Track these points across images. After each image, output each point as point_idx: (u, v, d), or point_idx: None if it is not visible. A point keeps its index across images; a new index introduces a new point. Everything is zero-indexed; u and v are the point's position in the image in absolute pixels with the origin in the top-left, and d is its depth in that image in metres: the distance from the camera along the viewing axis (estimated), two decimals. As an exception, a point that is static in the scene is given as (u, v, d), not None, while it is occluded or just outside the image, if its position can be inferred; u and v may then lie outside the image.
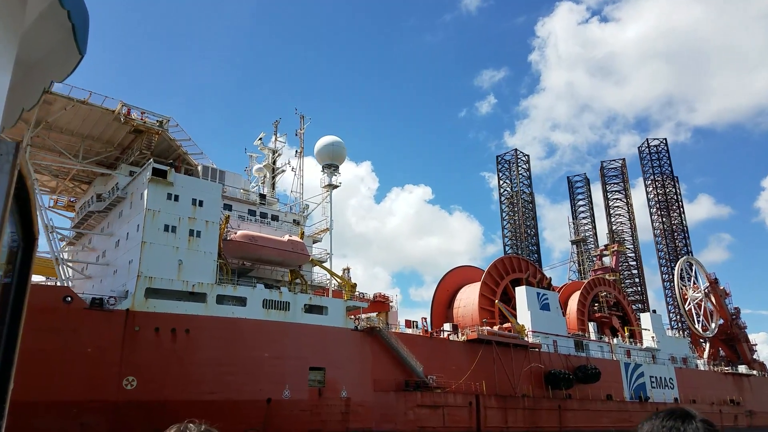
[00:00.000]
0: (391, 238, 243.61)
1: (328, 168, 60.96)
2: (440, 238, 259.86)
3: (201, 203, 47.81)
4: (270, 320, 47.75)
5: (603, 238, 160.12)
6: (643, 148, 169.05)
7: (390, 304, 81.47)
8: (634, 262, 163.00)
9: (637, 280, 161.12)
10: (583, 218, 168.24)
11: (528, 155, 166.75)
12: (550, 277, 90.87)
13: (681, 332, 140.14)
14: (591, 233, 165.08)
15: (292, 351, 48.04)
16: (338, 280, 57.08)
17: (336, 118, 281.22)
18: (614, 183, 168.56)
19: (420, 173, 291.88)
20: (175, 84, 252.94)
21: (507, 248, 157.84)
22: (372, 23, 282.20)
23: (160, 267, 44.12)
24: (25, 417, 39.13)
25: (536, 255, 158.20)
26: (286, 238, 52.84)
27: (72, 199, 60.13)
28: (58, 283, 47.13)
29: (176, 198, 46.72)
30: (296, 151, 67.24)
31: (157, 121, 49.50)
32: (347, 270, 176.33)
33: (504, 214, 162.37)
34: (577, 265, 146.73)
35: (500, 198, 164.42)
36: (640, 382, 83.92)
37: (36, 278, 57.16)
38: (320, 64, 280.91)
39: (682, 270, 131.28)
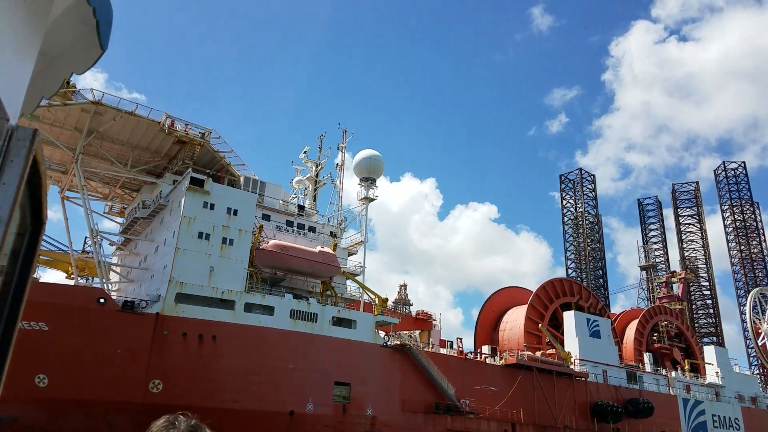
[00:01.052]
0: (453, 257, 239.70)
1: (365, 181, 60.88)
2: (506, 258, 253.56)
3: (236, 212, 48.74)
4: (296, 331, 47.72)
5: (676, 265, 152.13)
6: (719, 172, 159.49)
7: (433, 322, 79.98)
8: (708, 292, 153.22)
9: (711, 311, 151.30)
10: (655, 243, 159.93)
11: (594, 175, 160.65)
12: (603, 303, 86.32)
13: (761, 369, 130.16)
14: (662, 259, 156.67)
15: (317, 364, 47.72)
16: (370, 294, 56.51)
17: (400, 135, 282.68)
18: (687, 207, 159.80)
19: (485, 191, 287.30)
20: (227, 95, 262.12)
21: (570, 271, 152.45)
22: (441, 42, 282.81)
23: (192, 273, 45.13)
24: (57, 414, 40.80)
25: (601, 279, 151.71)
26: (318, 249, 52.91)
27: (124, 206, 62.91)
28: (103, 286, 49.10)
29: (212, 207, 47.86)
30: (336, 165, 67.60)
31: (200, 132, 51.08)
32: (404, 287, 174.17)
33: (568, 236, 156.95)
34: (646, 292, 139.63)
35: (563, 219, 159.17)
36: (700, 421, 77.89)
37: (81, 279, 59.98)
38: (387, 81, 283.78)
39: (755, 301, 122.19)
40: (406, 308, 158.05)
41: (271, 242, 50.66)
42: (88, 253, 57.64)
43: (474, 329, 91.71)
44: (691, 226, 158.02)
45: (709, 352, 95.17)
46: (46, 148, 52.24)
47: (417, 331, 77.43)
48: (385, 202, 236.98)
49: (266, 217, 57.73)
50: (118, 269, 58.65)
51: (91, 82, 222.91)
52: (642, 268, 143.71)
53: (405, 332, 74.72)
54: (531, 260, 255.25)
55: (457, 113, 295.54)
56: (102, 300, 41.67)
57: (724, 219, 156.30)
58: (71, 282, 56.94)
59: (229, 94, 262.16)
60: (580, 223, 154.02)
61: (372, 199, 60.94)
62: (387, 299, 56.37)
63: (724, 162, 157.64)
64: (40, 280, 60.40)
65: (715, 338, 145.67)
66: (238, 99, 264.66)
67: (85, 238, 61.09)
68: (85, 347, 40.78)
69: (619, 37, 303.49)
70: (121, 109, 48.40)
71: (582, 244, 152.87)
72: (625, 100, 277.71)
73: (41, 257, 67.56)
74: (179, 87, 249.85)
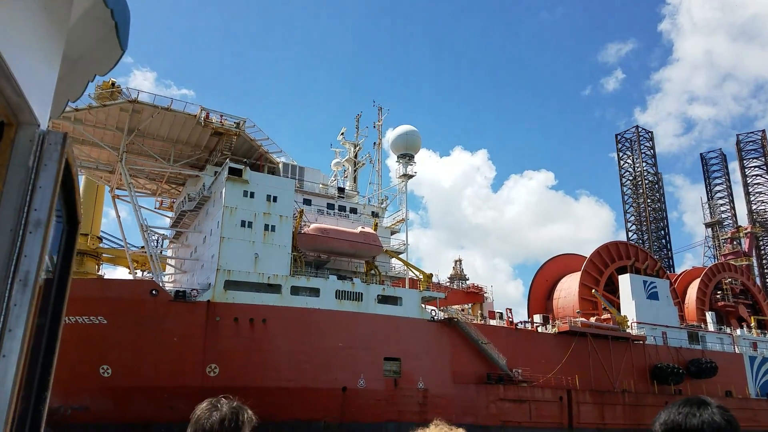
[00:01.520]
0: (510, 229, 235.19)
1: (403, 158, 60.61)
2: (566, 226, 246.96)
3: (275, 199, 49.62)
4: (342, 310, 48.50)
5: (744, 221, 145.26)
6: None
7: (485, 295, 79.57)
8: None
9: None
10: (720, 199, 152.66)
11: (651, 132, 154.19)
12: (662, 264, 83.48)
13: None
14: (729, 215, 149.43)
15: (365, 341, 48.44)
16: (414, 270, 56.61)
17: (446, 108, 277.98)
18: (753, 158, 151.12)
19: (540, 158, 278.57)
20: (263, 84, 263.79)
21: (631, 234, 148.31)
22: (483, 6, 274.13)
23: (238, 260, 46.41)
24: (123, 401, 43.16)
25: (664, 240, 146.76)
26: (359, 230, 53.32)
27: (173, 201, 65.08)
28: (155, 279, 51.23)
29: (252, 195, 48.88)
30: (374, 144, 67.57)
31: (235, 123, 51.99)
32: (459, 262, 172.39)
33: (627, 198, 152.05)
34: (712, 250, 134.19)
35: (621, 180, 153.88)
36: (769, 379, 74.83)
37: (140, 274, 62.69)
38: (429, 53, 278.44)
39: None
40: (462, 283, 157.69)
41: (313, 226, 51.41)
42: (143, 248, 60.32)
43: (527, 299, 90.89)
44: (758, 177, 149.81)
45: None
46: (92, 149, 54.57)
47: (468, 305, 77.31)
48: (436, 178, 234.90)
49: (307, 202, 58.52)
50: (172, 261, 60.92)
51: (141, 81, 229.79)
52: (707, 225, 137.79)
53: (456, 306, 74.78)
54: (593, 226, 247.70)
55: (504, 80, 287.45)
56: (154, 291, 43.51)
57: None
58: (132, 277, 59.83)
59: (266, 83, 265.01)
60: (640, 183, 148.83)
61: (411, 176, 60.71)
62: (431, 275, 56.31)
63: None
64: (105, 277, 63.85)
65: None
66: (274, 87, 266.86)
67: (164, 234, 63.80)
68: (143, 337, 42.81)
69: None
70: (157, 106, 49.76)
71: (642, 205, 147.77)
72: (685, 49, 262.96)
73: (105, 255, 71.10)
74: (223, 79, 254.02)
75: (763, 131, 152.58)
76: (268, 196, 49.44)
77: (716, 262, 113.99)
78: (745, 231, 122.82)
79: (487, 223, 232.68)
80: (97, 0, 2.61)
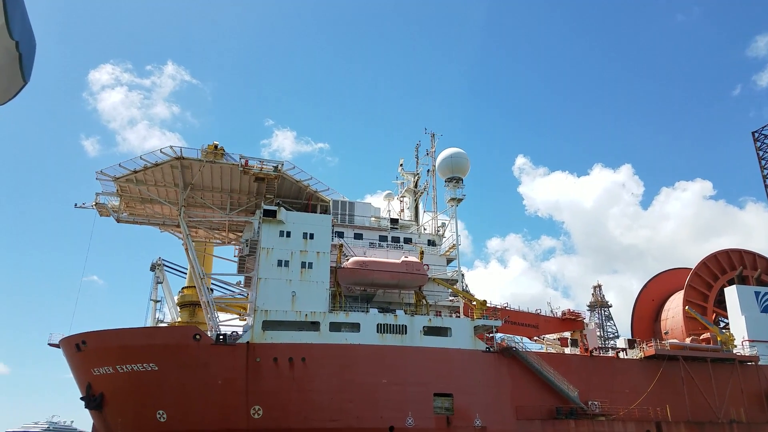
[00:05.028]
0: (668, 246, 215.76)
1: (451, 181, 58.43)
2: (733, 238, 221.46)
3: (312, 236, 49.87)
4: (385, 345, 46.86)
5: None
6: None
7: (584, 321, 73.24)
8: None
9: None
10: None
11: None
12: (782, 271, 71.66)
13: None
14: None
15: (412, 376, 46.25)
16: (465, 297, 53.48)
17: (582, 123, 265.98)
18: None
19: (693, 167, 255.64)
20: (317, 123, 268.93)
21: None
22: (613, 12, 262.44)
23: (276, 300, 46.92)
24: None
25: None
26: (401, 259, 51.71)
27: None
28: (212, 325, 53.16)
29: (288, 234, 49.57)
30: (428, 171, 65.99)
31: (273, 166, 53.47)
32: (599, 287, 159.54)
33: None
34: None
35: (765, 182, 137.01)
36: None
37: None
38: (557, 61, 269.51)
39: None
40: (604, 310, 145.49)
41: (352, 259, 50.78)
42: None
43: (630, 323, 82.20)
44: None
45: None
46: (155, 206, 58.76)
47: (567, 333, 71.48)
48: (576, 200, 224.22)
49: (358, 236, 58.20)
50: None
51: (282, 141, 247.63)
52: None
53: (550, 336, 69.39)
54: (763, 234, 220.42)
55: (644, 89, 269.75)
56: (197, 336, 45.03)
57: None
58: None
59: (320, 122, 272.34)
60: None
61: (460, 200, 58.27)
62: (486, 302, 52.85)
63: None
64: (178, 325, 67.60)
65: None
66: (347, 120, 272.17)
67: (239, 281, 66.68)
68: (190, 381, 44.30)
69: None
70: (201, 159, 52.65)
71: None
72: None
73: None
74: (338, 123, 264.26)
75: None
76: (305, 234, 49.84)
77: None
78: None
79: (640, 243, 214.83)
80: (2, 31, 2.60)
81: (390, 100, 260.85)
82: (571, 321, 72.15)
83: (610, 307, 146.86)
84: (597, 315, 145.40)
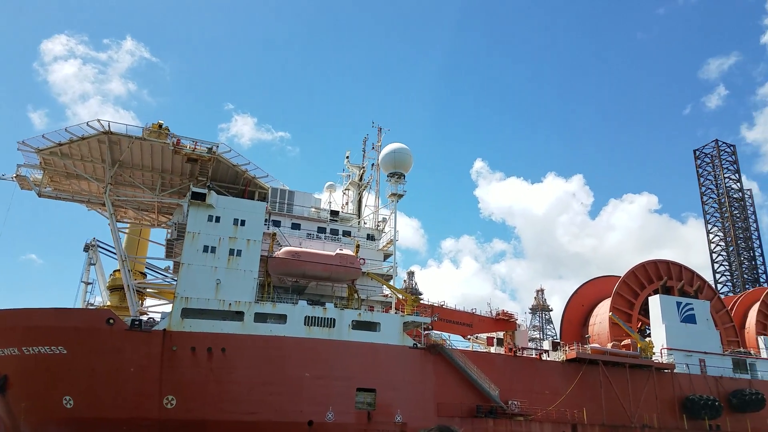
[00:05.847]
0: (612, 256, 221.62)
1: (393, 176, 57.98)
2: (674, 251, 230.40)
3: (243, 223, 48.42)
4: (311, 338, 46.03)
5: None
6: None
7: (516, 322, 74.36)
8: None
9: None
10: None
11: (733, 145, 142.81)
12: (702, 282, 74.85)
13: None
14: None
15: (336, 370, 45.65)
16: (398, 293, 53.29)
17: (537, 134, 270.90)
18: None
19: (641, 181, 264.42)
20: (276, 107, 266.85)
21: (714, 255, 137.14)
22: (576, 27, 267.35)
23: (198, 287, 45.31)
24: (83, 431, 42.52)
25: (754, 261, 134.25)
26: (336, 252, 50.96)
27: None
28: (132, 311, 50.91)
29: (217, 219, 47.97)
30: (372, 165, 65.41)
31: (207, 148, 51.59)
32: (541, 292, 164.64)
33: (709, 216, 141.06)
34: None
35: (702, 198, 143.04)
36: (842, 414, 64.15)
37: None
38: (516, 75, 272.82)
39: None
40: (545, 314, 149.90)
41: (283, 249, 49.63)
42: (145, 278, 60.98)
43: (560, 327, 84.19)
44: None
45: None
46: (82, 182, 55.85)
47: (500, 333, 72.39)
48: (528, 207, 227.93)
49: (296, 226, 57.01)
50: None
51: (241, 126, 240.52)
52: None
53: (484, 334, 70.09)
54: (702, 250, 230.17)
55: (600, 102, 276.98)
56: (111, 320, 42.98)
57: None
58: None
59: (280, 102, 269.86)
60: (724, 201, 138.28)
61: (400, 195, 57.91)
62: (418, 298, 52.77)
63: None
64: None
65: None
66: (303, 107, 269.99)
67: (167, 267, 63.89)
68: (101, 367, 42.24)
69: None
70: (131, 136, 50.24)
71: (727, 224, 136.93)
72: None
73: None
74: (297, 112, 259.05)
75: None
76: (236, 220, 48.34)
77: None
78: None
79: (586, 252, 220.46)
80: None
81: (357, 94, 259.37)
82: (504, 321, 73.13)
83: (551, 311, 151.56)
84: (538, 318, 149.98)
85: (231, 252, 47.22)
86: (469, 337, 70.72)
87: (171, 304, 58.56)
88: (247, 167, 55.93)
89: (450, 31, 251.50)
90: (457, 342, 58.59)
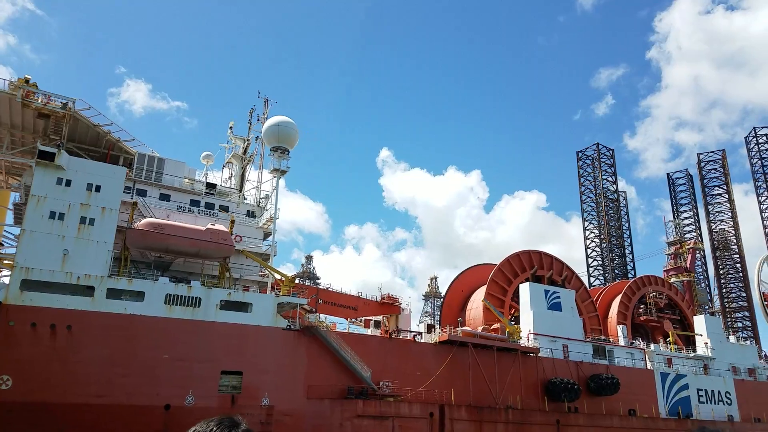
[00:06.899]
0: (503, 248, 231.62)
1: (276, 151, 55.31)
2: (558, 247, 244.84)
3: (98, 188, 43.80)
4: (172, 317, 42.69)
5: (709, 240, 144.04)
6: (750, 138, 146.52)
7: (401, 306, 74.41)
8: (739, 264, 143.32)
9: (741, 284, 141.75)
10: (686, 218, 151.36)
11: (612, 149, 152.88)
12: (571, 274, 79.38)
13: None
14: (695, 234, 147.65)
15: (199, 352, 42.70)
16: (275, 273, 51.09)
17: (442, 128, 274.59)
18: (714, 178, 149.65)
19: (532, 180, 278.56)
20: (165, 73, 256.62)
21: (589, 251, 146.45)
22: (481, 30, 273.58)
23: (42, 257, 40.41)
24: None
25: (624, 258, 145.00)
26: (207, 227, 47.68)
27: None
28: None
29: (68, 183, 43.03)
30: (256, 138, 62.23)
31: (62, 103, 46.18)
32: (434, 279, 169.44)
33: (586, 214, 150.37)
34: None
35: (581, 197, 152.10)
36: (682, 396, 70.91)
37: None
38: (425, 71, 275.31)
39: (763, 265, 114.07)
40: (437, 301, 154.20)
41: (144, 221, 45.60)
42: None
43: (440, 312, 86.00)
44: (719, 197, 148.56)
45: (699, 323, 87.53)
46: None
47: (382, 316, 72.08)
48: (430, 198, 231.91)
49: (165, 197, 52.78)
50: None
51: (134, 92, 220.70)
52: (669, 244, 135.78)
53: (372, 317, 69.42)
54: (583, 245, 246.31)
55: (500, 102, 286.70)
56: (-69, 291, 37.17)
57: (756, 189, 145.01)
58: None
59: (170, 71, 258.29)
60: (600, 200, 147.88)
61: (284, 171, 55.36)
62: (294, 279, 50.89)
63: (754, 128, 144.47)
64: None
65: (747, 312, 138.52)
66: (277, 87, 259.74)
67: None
68: None
69: (662, 12, 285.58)
70: (-30, 84, 43.81)
71: (603, 223, 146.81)
72: (673, 76, 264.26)
73: None
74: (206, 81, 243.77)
75: (723, 151, 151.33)
76: (89, 185, 43.60)
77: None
78: (688, 247, 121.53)
79: (479, 244, 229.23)
80: None
81: (266, 72, 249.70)
82: (388, 305, 73.35)
83: (443, 297, 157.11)
84: (430, 304, 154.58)
85: (82, 220, 42.50)
86: (353, 320, 70.09)
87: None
88: (110, 128, 51.05)
89: (361, 22, 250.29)
90: (342, 326, 57.62)
